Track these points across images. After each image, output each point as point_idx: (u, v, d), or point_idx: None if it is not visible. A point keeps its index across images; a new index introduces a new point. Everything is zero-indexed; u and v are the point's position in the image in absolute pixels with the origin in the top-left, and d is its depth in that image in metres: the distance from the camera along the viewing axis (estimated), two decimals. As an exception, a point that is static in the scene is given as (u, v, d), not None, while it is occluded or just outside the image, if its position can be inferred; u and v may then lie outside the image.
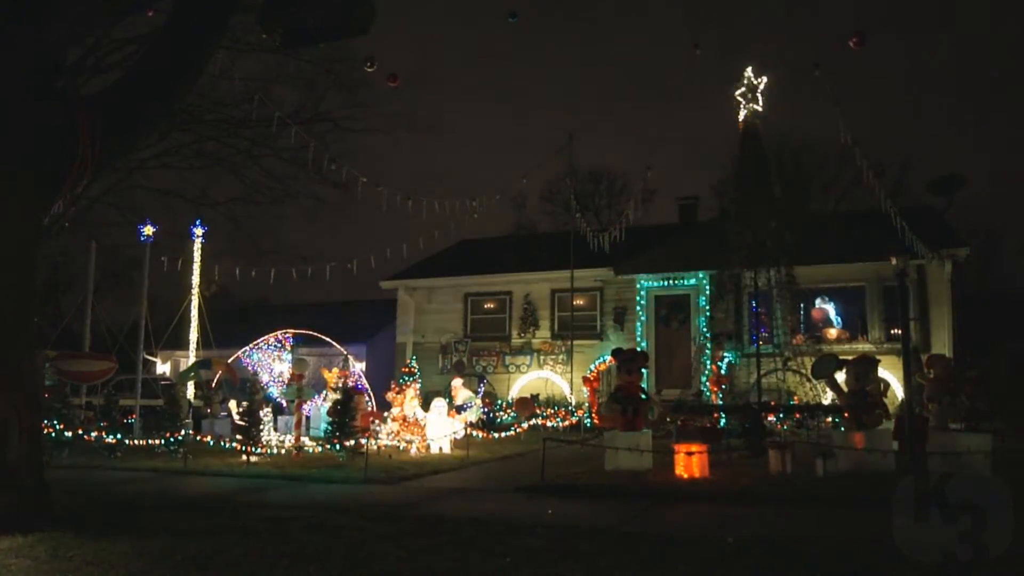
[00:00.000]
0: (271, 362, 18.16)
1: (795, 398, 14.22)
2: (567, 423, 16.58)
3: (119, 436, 12.73)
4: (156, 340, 18.51)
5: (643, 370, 11.43)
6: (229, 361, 17.77)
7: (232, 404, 15.93)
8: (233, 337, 21.45)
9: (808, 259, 16.05)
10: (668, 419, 12.97)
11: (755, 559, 5.36)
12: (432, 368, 21.76)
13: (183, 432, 12.72)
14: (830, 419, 12.83)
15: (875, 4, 59.78)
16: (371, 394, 17.43)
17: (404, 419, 13.47)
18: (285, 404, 16.76)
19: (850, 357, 11.51)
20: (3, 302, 6.56)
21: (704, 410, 13.86)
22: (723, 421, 13.29)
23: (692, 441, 9.82)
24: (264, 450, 11.81)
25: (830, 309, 18.46)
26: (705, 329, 17.74)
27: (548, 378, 20.61)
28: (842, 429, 10.89)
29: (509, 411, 17.77)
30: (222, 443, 12.54)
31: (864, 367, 10.75)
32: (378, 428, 13.81)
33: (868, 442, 9.81)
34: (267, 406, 14.50)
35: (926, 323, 17.36)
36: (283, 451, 12.01)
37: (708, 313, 18.19)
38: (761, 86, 15.13)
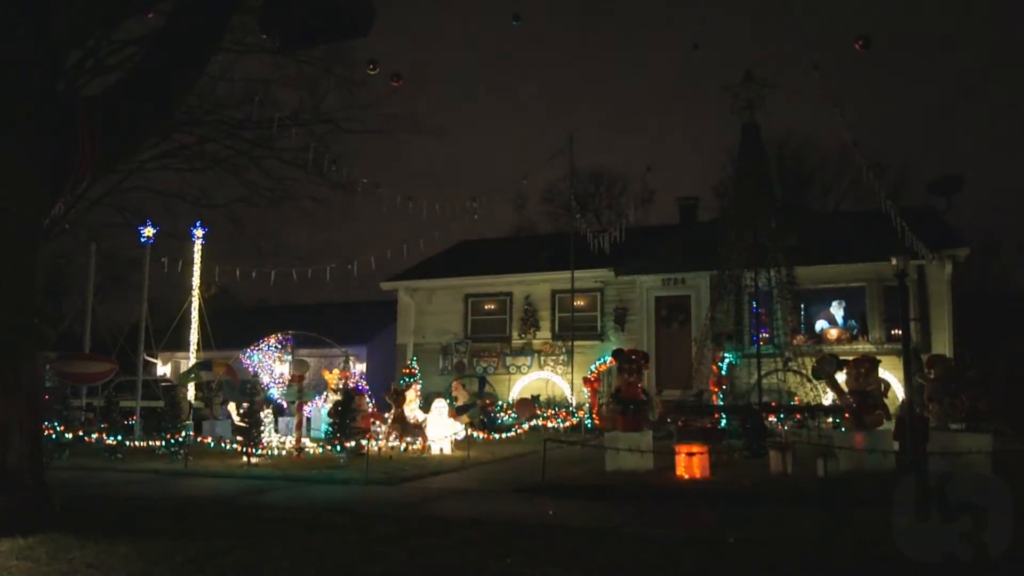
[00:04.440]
0: (272, 363, 18.15)
1: (796, 399, 14.21)
2: (568, 424, 16.59)
3: (120, 437, 12.74)
4: (156, 341, 18.51)
5: (644, 371, 11.43)
6: (229, 363, 17.77)
7: (232, 406, 15.94)
8: (233, 338, 21.45)
9: (808, 259, 16.05)
10: (669, 420, 12.97)
11: (755, 559, 5.36)
12: (432, 369, 21.76)
13: (184, 434, 12.72)
14: (830, 420, 12.82)
15: (876, 4, 59.83)
16: (371, 395, 17.43)
17: (404, 420, 13.48)
18: (286, 405, 16.75)
19: (850, 358, 11.51)
20: (3, 304, 6.56)
21: (705, 411, 13.84)
22: (724, 422, 13.29)
23: (693, 442, 9.82)
24: (265, 451, 11.81)
25: (838, 312, 18.40)
26: (705, 330, 17.73)
27: (549, 379, 20.61)
28: (843, 430, 10.89)
29: (510, 412, 17.76)
30: (223, 444, 12.55)
31: (864, 368, 10.75)
32: (379, 429, 13.81)
33: (868, 442, 9.80)
34: (267, 407, 14.50)
35: (926, 323, 17.35)
36: (284, 452, 12.02)
37: (709, 313, 18.17)
38: (761, 86, 15.13)
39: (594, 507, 7.96)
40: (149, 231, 17.70)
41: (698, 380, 15.06)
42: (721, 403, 14.79)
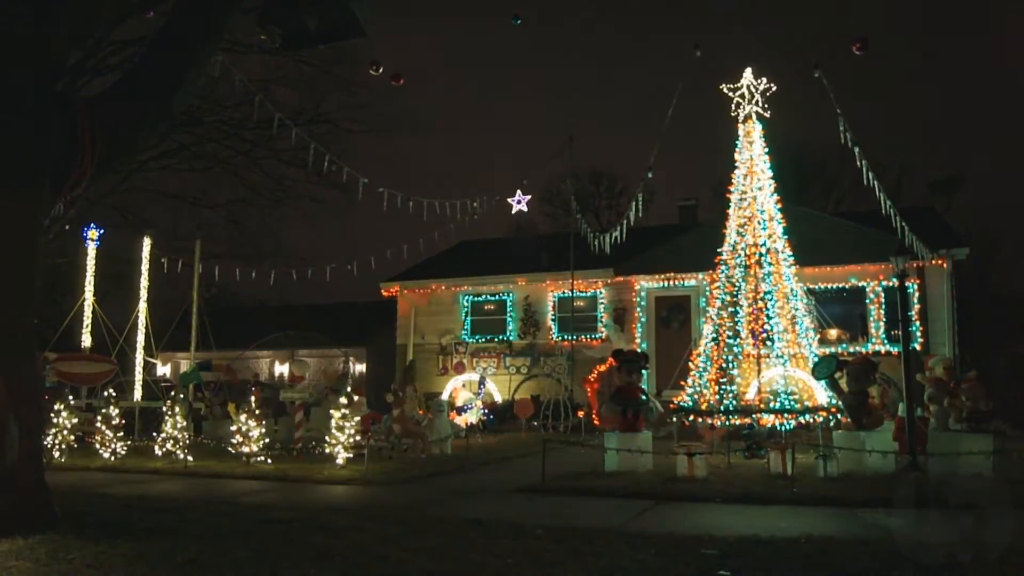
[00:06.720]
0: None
1: (795, 399, 14.18)
2: (568, 424, 16.57)
3: (119, 438, 12.73)
4: (156, 342, 18.50)
5: (643, 371, 11.43)
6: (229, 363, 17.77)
7: (231, 406, 15.90)
8: (233, 338, 21.45)
9: (808, 259, 16.04)
10: (668, 420, 12.97)
11: (756, 560, 5.36)
12: (432, 369, 21.77)
13: (184, 434, 12.70)
14: (831, 420, 12.80)
15: (876, 4, 59.84)
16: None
17: (404, 421, 13.46)
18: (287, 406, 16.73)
19: (850, 358, 11.50)
20: (4, 304, 6.56)
21: (705, 411, 13.82)
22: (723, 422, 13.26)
23: (692, 441, 9.83)
24: (265, 452, 11.80)
25: (838, 313, 18.36)
26: (705, 330, 17.72)
27: (548, 379, 20.60)
28: (842, 430, 10.87)
29: (518, 412, 17.71)
30: (222, 444, 12.54)
31: (863, 368, 10.75)
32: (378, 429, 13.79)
33: (868, 443, 9.80)
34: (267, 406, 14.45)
35: (926, 324, 17.36)
36: (284, 453, 12.01)
37: (708, 314, 18.15)
38: (761, 86, 15.11)
39: (594, 507, 7.96)
40: (149, 231, 17.71)
41: (697, 381, 14.94)
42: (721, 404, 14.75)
